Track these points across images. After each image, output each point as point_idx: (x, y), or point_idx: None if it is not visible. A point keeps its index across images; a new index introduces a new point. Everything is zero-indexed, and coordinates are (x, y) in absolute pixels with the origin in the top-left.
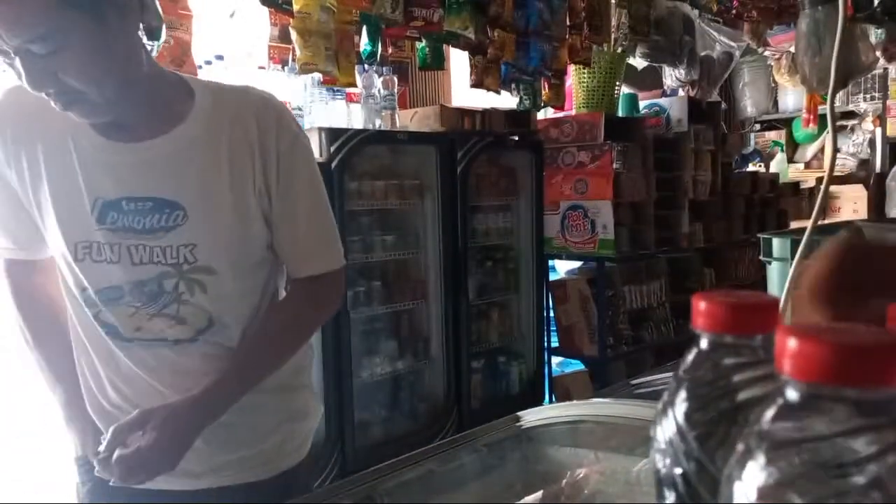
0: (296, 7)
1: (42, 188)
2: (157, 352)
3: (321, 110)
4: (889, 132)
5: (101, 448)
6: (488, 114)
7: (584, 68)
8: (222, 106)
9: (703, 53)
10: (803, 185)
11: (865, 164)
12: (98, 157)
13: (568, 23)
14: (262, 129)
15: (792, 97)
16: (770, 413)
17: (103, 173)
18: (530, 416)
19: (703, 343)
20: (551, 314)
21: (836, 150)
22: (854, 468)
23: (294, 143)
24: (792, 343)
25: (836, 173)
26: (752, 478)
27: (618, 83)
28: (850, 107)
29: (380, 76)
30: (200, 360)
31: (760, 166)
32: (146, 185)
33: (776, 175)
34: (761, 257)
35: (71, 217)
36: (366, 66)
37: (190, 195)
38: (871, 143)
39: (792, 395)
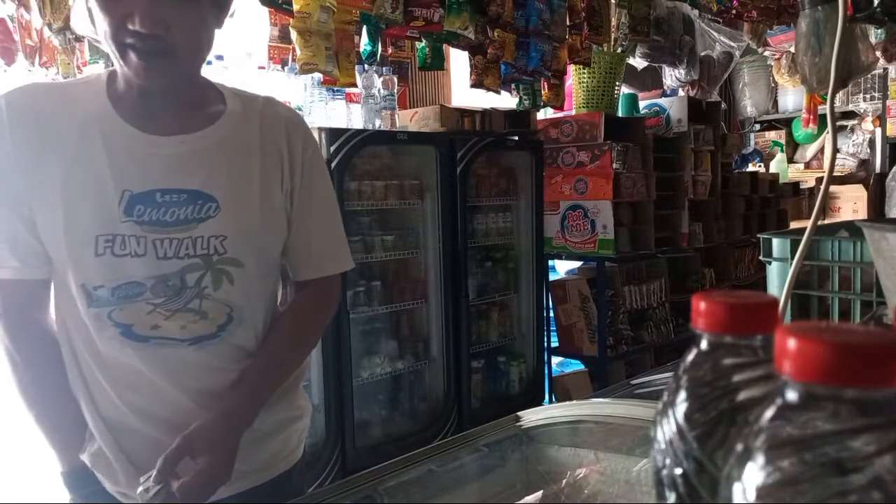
0: (296, 7)
1: (53, 186)
2: (172, 350)
3: (321, 110)
4: (889, 132)
5: (151, 478)
6: (488, 114)
7: (584, 68)
8: (252, 111)
9: (703, 53)
10: (803, 185)
11: (865, 164)
12: (130, 148)
13: (568, 23)
14: (291, 137)
15: (792, 97)
16: (770, 413)
17: (134, 165)
18: (530, 416)
19: (703, 343)
20: (551, 314)
21: (836, 150)
22: (854, 468)
23: (315, 153)
24: (791, 343)
25: (836, 173)
26: (751, 478)
27: (618, 83)
28: (850, 107)
29: (380, 76)
30: (213, 359)
31: (760, 166)
32: (179, 178)
33: (776, 175)
34: (761, 257)
35: (94, 210)
36: (366, 66)
37: (222, 189)
38: (871, 143)
39: (791, 395)
